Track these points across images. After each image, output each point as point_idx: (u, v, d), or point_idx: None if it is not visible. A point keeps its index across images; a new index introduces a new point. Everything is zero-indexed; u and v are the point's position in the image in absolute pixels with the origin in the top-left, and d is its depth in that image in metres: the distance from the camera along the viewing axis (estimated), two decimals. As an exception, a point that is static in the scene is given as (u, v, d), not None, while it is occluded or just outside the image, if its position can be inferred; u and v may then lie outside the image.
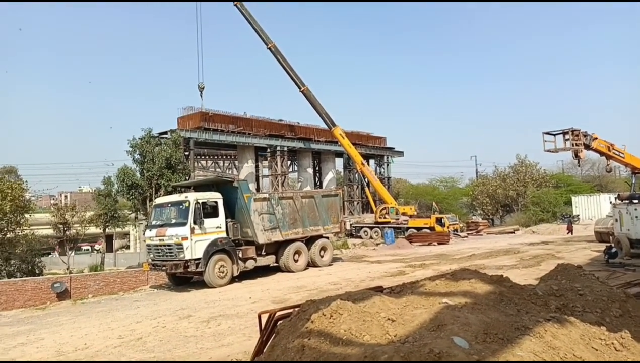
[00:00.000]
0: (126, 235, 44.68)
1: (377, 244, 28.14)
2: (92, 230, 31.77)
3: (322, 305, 4.25)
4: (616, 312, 4.56)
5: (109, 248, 40.07)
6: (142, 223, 29.48)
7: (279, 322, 5.01)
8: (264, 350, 5.33)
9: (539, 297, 4.83)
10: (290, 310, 4.93)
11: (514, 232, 34.17)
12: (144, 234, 20.06)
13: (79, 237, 30.78)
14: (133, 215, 28.81)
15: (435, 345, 3.16)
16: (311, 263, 17.98)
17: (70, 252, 30.59)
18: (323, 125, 35.64)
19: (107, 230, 31.87)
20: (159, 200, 16.83)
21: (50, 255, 34.07)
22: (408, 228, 30.48)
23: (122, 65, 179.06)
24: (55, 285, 15.53)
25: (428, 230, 29.52)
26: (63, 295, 15.56)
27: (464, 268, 5.81)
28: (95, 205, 29.79)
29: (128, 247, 45.95)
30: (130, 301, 13.64)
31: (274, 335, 5.03)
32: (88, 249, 42.37)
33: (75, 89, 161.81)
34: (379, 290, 5.56)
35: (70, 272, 23.68)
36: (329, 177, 42.26)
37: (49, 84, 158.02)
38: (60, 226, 28.55)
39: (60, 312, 12.65)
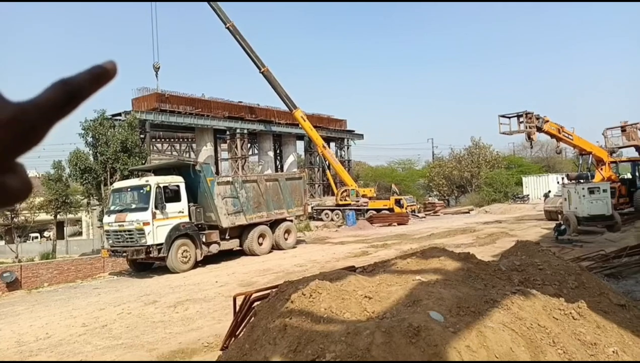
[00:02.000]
0: (78, 221, 42.94)
1: (339, 226, 28.51)
2: (42, 216, 30.37)
3: (300, 285, 4.32)
4: (572, 284, 4.90)
5: (60, 235, 38.45)
6: (95, 209, 28.42)
7: (255, 303, 5.05)
8: (238, 332, 5.37)
9: (503, 272, 5.12)
10: (267, 292, 4.98)
11: (468, 212, 35.49)
12: (100, 220, 19.38)
13: (28, 224, 29.36)
14: (86, 200, 27.72)
15: (413, 319, 3.30)
16: (275, 246, 18.01)
17: (19, 240, 29.14)
18: (284, 108, 35.23)
19: (58, 216, 30.58)
20: (118, 185, 16.27)
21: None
22: (368, 209, 30.99)
23: (70, 41, 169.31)
24: (5, 275, 14.79)
25: (388, 212, 30.12)
26: (13, 285, 14.85)
27: (433, 246, 6.04)
28: (45, 190, 28.41)
29: (80, 233, 44.21)
30: (90, 288, 13.24)
31: (249, 316, 5.08)
32: (37, 237, 40.40)
33: (20, 62, 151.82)
34: (352, 269, 5.70)
35: (19, 261, 22.61)
36: (290, 160, 42.17)
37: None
38: (7, 213, 27.09)
39: (15, 301, 12.11)
